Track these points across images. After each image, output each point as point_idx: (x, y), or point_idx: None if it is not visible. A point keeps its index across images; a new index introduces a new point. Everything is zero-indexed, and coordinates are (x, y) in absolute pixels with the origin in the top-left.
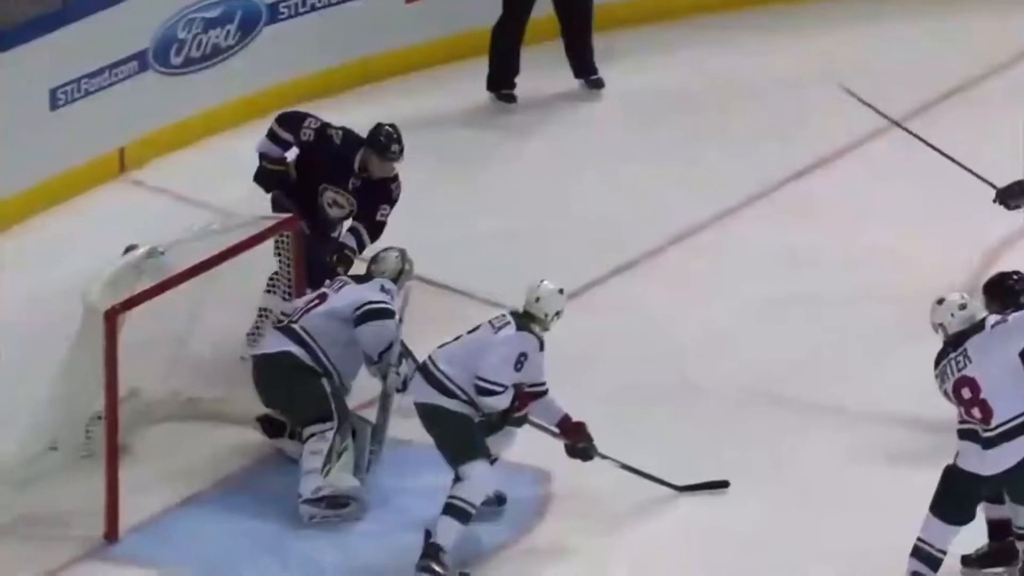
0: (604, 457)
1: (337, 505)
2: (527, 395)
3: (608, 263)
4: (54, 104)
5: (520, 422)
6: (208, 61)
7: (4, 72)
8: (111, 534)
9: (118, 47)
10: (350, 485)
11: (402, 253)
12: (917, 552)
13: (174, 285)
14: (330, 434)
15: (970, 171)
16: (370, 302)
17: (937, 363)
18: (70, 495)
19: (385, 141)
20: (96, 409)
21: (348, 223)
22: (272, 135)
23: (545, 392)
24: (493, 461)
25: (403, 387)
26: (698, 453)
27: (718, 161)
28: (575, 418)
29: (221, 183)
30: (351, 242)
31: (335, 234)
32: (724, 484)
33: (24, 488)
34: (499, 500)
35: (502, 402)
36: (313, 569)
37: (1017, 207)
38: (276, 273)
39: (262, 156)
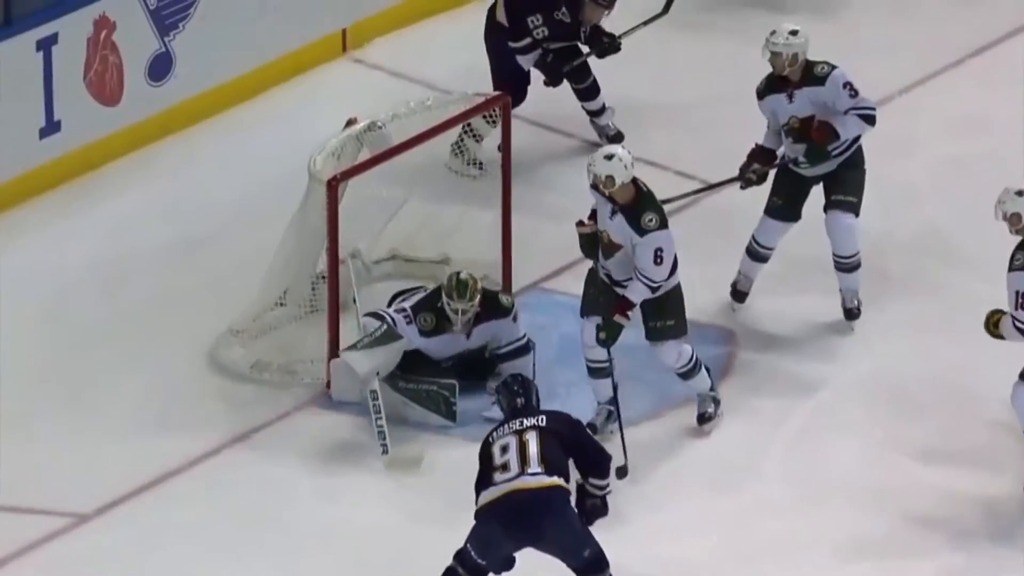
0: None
1: None
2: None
3: None
4: None
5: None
6: None
7: None
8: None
9: None
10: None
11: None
12: None
13: (392, 156)
14: None
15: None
16: None
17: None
18: (297, 346)
19: None
20: (320, 269)
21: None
22: None
23: None
24: None
25: None
26: (870, 306)
27: (902, 33)
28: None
29: (435, 61)
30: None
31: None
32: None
33: (256, 339)
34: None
35: None
36: None
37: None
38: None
39: None
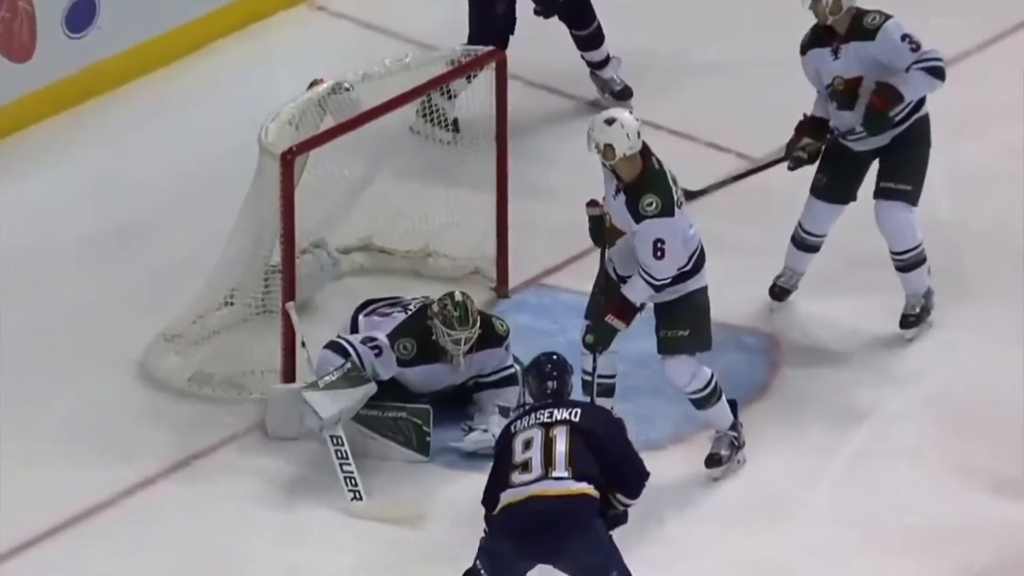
0: None
1: None
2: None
3: None
4: None
5: None
6: None
7: None
8: None
9: None
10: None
11: None
12: None
13: (361, 124)
14: None
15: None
16: None
17: None
18: (244, 354)
19: None
20: (275, 261)
21: None
22: None
23: None
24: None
25: None
26: (937, 310)
27: None
28: None
29: (413, 11)
30: None
31: None
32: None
33: (196, 346)
34: None
35: None
36: None
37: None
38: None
39: None
